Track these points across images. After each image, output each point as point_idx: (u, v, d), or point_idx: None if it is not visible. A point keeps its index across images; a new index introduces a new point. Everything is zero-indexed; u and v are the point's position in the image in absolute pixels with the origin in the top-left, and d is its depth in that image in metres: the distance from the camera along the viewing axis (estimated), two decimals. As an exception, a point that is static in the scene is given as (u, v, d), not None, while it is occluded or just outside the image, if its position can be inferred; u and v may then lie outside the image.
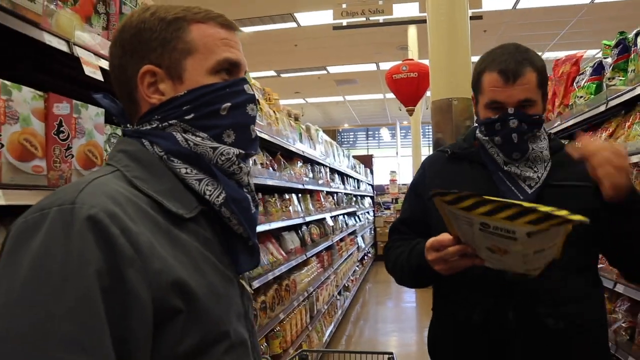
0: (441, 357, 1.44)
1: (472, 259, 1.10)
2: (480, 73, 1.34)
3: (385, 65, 9.95)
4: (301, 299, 3.94)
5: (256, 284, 2.73)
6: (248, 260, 0.85)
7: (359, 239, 8.90)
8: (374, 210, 12.52)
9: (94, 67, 1.35)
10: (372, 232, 11.85)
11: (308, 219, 4.42)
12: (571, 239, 0.96)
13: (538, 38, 9.56)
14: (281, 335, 3.33)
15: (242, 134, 0.84)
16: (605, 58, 2.52)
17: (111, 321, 0.61)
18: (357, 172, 9.01)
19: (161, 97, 0.80)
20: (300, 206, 4.35)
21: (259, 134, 0.90)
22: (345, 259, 6.78)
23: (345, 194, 7.60)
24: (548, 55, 10.20)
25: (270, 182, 3.21)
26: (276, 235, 3.72)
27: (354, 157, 9.77)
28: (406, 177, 15.04)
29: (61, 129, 1.23)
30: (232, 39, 0.84)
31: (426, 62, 7.05)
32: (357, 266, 8.35)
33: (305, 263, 4.34)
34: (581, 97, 2.68)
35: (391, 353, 2.14)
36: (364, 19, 7.00)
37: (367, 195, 11.24)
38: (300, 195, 4.51)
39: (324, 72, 11.91)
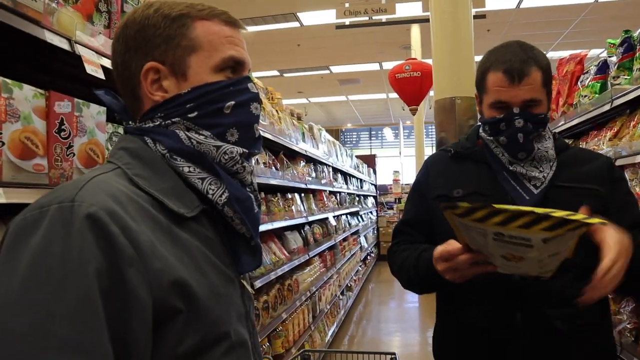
0: (446, 359, 1.43)
1: (484, 266, 1.07)
2: (485, 72, 1.32)
3: (388, 65, 9.93)
4: (304, 298, 3.93)
5: (258, 283, 2.72)
6: (250, 260, 0.84)
7: (362, 239, 8.89)
8: (377, 210, 12.50)
9: (95, 65, 1.34)
10: (375, 232, 11.83)
11: (311, 218, 4.41)
12: (581, 240, 0.95)
13: (541, 37, 9.52)
14: (283, 335, 3.32)
15: (246, 133, 0.83)
16: (610, 57, 2.50)
17: (110, 321, 0.61)
18: (360, 172, 9.00)
19: (164, 94, 0.80)
20: (303, 206, 4.34)
21: (261, 133, 0.90)
22: (348, 258, 6.77)
23: (348, 193, 7.59)
24: (552, 55, 10.16)
25: (273, 182, 3.21)
26: (279, 234, 3.72)
27: (357, 156, 9.76)
28: (409, 177, 15.02)
29: (62, 127, 1.23)
30: (236, 36, 0.84)
31: (429, 61, 7.05)
32: (360, 266, 8.33)
33: (307, 263, 4.33)
34: (585, 96, 2.66)
35: (394, 353, 2.13)
36: (367, 18, 6.99)
37: (370, 195, 11.22)
38: (303, 194, 4.50)
39: (327, 71, 11.90)
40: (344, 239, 6.60)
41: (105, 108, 1.40)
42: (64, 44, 1.24)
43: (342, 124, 19.12)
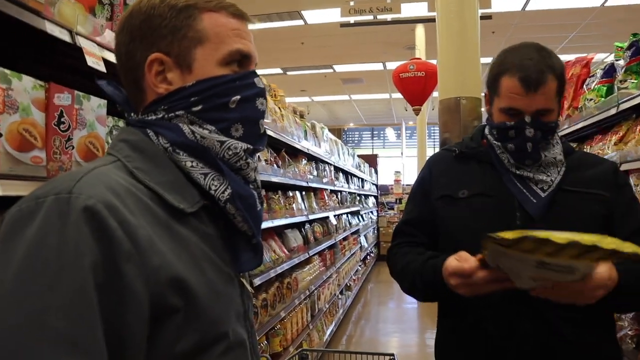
0: None
1: (502, 284, 1.04)
2: (499, 75, 1.28)
3: (392, 65, 9.90)
4: (302, 297, 3.92)
5: (258, 281, 2.71)
6: (251, 258, 0.82)
7: (362, 239, 8.88)
8: (377, 210, 12.49)
9: (96, 57, 1.32)
10: (375, 231, 11.82)
11: (311, 217, 4.40)
12: None
13: (547, 41, 9.43)
14: (282, 333, 3.31)
15: (251, 129, 0.81)
16: (617, 60, 2.47)
17: (105, 317, 0.59)
18: (361, 172, 8.98)
19: (169, 86, 0.78)
20: (304, 204, 4.33)
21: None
22: (348, 258, 6.75)
23: (349, 193, 7.58)
24: (556, 58, 10.10)
25: (274, 179, 3.19)
26: (279, 232, 3.70)
27: (359, 156, 9.74)
28: (411, 177, 14.99)
29: (62, 119, 1.21)
30: (243, 29, 0.82)
31: (434, 62, 7.03)
32: (360, 266, 8.32)
33: (307, 261, 4.32)
34: (591, 99, 2.64)
35: (392, 354, 2.12)
36: (372, 17, 6.96)
37: (371, 195, 11.21)
38: (304, 193, 4.49)
39: (331, 70, 11.88)
40: (344, 238, 6.58)
41: (105, 101, 1.39)
42: (64, 36, 1.23)
43: (344, 123, 19.10)
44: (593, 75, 2.79)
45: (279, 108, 3.53)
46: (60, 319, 0.56)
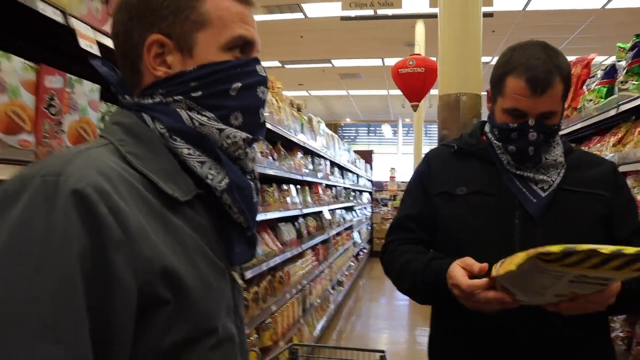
0: None
1: (508, 303, 1.03)
2: (505, 74, 1.24)
3: (391, 61, 9.85)
4: (294, 291, 3.90)
5: (249, 274, 2.68)
6: (244, 251, 0.79)
7: (355, 234, 8.87)
8: (371, 206, 12.49)
9: (90, 40, 1.29)
10: (369, 228, 11.82)
11: (305, 211, 4.38)
12: None
13: (547, 41, 9.47)
14: (272, 327, 3.29)
15: (251, 117, 0.78)
16: (619, 61, 2.45)
17: (91, 307, 0.56)
18: (357, 167, 8.97)
19: (168, 70, 0.75)
20: (298, 198, 4.30)
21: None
22: (341, 253, 6.75)
23: (344, 188, 7.56)
24: (555, 59, 10.12)
25: (269, 172, 3.17)
26: (272, 225, 3.68)
27: (355, 151, 9.72)
28: (406, 174, 15.00)
29: (52, 103, 1.18)
30: (247, 14, 0.78)
31: (433, 59, 6.99)
32: (352, 261, 8.32)
33: (300, 255, 4.30)
34: (590, 100, 2.63)
35: (383, 351, 2.11)
36: (372, 12, 6.91)
37: (365, 191, 11.20)
38: (298, 186, 4.46)
39: (329, 65, 11.82)
40: (338, 234, 6.57)
41: (99, 86, 1.35)
42: (57, 16, 1.19)
43: (341, 119, 19.06)
44: (593, 76, 2.77)
45: (276, 100, 3.50)
46: (43, 307, 0.53)
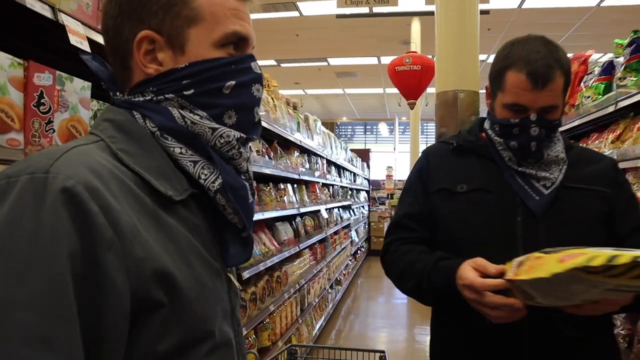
0: None
1: (517, 311, 1.01)
2: (505, 69, 1.22)
3: (387, 60, 9.83)
4: (292, 291, 3.88)
5: (247, 274, 2.66)
6: (239, 252, 0.77)
7: (353, 233, 8.86)
8: (369, 205, 12.48)
9: (80, 37, 1.26)
10: (367, 226, 11.81)
11: (302, 210, 4.35)
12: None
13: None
14: (270, 327, 3.27)
15: (245, 116, 0.76)
16: (617, 57, 2.44)
17: (82, 310, 0.54)
18: (354, 166, 8.95)
19: (159, 67, 0.72)
20: (295, 197, 4.28)
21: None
22: (339, 252, 6.73)
23: (341, 186, 7.54)
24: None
25: (265, 171, 3.14)
26: (269, 225, 3.65)
27: (351, 150, 9.70)
28: (403, 173, 15.00)
29: (42, 100, 1.15)
30: (242, 9, 0.76)
31: (430, 57, 6.96)
32: (350, 260, 8.31)
33: (297, 255, 4.27)
34: (588, 97, 2.61)
35: (383, 351, 2.08)
36: (368, 10, 6.88)
37: (362, 190, 11.19)
38: (295, 185, 4.44)
39: (325, 63, 11.80)
40: (335, 232, 6.55)
41: (90, 83, 1.32)
42: (46, 12, 1.16)
43: (337, 117, 19.04)
44: (591, 73, 2.76)
45: (272, 99, 3.47)
46: (31, 311, 0.51)
